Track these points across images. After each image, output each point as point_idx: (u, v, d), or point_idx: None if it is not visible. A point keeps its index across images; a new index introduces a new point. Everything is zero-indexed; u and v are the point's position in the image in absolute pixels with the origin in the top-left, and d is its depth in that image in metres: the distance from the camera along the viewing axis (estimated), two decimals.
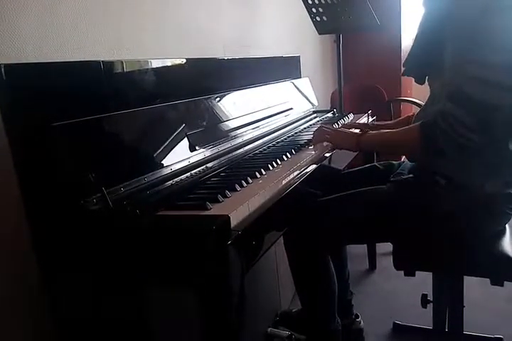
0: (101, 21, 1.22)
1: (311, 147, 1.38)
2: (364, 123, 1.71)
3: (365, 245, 2.11)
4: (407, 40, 3.37)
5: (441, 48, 1.04)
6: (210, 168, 1.16)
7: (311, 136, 1.42)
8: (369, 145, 1.26)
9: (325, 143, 1.36)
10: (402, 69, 1.21)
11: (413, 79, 1.22)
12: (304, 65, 2.35)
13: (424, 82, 1.19)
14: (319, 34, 2.30)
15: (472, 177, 1.08)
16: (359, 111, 2.01)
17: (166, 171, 1.05)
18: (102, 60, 1.07)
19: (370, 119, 1.97)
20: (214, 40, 1.80)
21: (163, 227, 0.82)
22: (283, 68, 2.13)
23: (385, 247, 2.09)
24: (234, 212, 0.82)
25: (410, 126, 1.12)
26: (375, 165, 1.49)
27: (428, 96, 1.19)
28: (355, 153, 1.80)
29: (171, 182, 1.03)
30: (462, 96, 0.98)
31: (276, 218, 1.06)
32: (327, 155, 1.34)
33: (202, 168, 1.15)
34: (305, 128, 1.78)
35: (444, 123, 0.99)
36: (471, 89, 0.96)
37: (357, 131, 1.34)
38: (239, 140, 1.39)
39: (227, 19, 1.90)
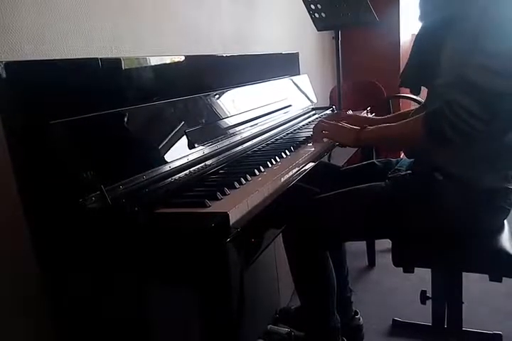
0: (99, 18, 1.21)
1: (311, 144, 1.37)
2: (364, 117, 1.68)
3: (364, 242, 2.12)
4: (406, 36, 3.37)
5: (438, 59, 1.05)
6: (209, 165, 1.16)
7: (311, 132, 1.42)
8: (369, 140, 1.24)
9: (325, 140, 1.36)
10: (399, 80, 1.22)
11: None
12: (303, 62, 2.35)
13: (419, 93, 1.20)
14: (318, 31, 2.29)
15: (471, 171, 1.08)
16: (358, 108, 2.01)
17: (165, 169, 1.05)
18: (101, 57, 1.07)
19: (369, 115, 1.97)
20: (213, 36, 1.79)
21: (162, 225, 0.82)
22: (282, 65, 2.12)
23: (384, 244, 2.09)
24: (233, 209, 0.82)
25: (413, 117, 1.11)
26: (373, 162, 1.49)
27: (426, 97, 1.19)
28: (354, 150, 1.80)
29: (169, 179, 1.03)
30: (468, 84, 0.98)
31: (276, 215, 1.06)
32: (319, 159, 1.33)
33: (201, 165, 1.15)
34: (304, 125, 1.78)
35: (451, 112, 0.98)
36: (476, 77, 0.96)
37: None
38: (238, 137, 1.39)
39: (226, 16, 1.89)
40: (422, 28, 1.14)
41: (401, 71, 1.22)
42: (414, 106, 2.86)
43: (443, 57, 1.04)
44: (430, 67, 1.09)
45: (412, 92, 1.21)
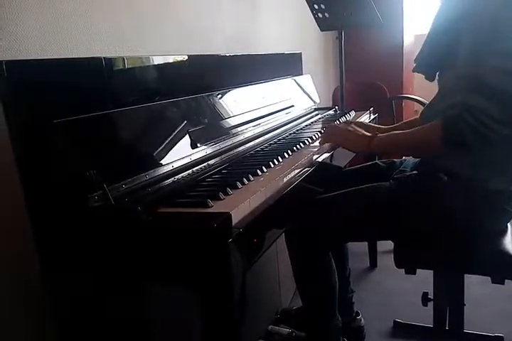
0: (102, 18, 1.21)
1: (314, 144, 1.36)
2: (373, 126, 1.64)
3: (366, 243, 2.11)
4: (410, 37, 3.36)
5: (456, 43, 1.02)
6: (212, 165, 1.16)
7: (313, 133, 1.41)
8: (381, 147, 1.20)
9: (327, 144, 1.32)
10: (414, 65, 1.20)
11: (416, 76, 1.20)
12: (306, 62, 2.35)
13: (434, 79, 1.17)
14: (321, 31, 2.29)
15: (479, 172, 1.07)
16: (361, 109, 2.01)
17: (168, 168, 1.05)
18: (104, 56, 1.07)
19: (372, 117, 1.96)
20: (215, 36, 1.79)
21: (164, 225, 0.82)
22: (285, 65, 2.12)
23: (386, 245, 2.08)
24: (235, 209, 0.81)
25: (430, 123, 1.07)
26: (376, 162, 1.49)
27: (436, 92, 1.18)
28: None
29: (172, 179, 1.02)
30: (488, 88, 0.96)
31: (278, 215, 1.06)
32: (325, 156, 1.32)
33: (203, 165, 1.14)
34: (307, 125, 1.78)
35: (472, 118, 0.96)
36: (495, 80, 0.95)
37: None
38: (240, 137, 1.39)
39: (229, 15, 1.89)
40: (441, 8, 1.11)
41: (415, 55, 1.19)
42: (417, 106, 2.85)
43: (460, 49, 1.02)
44: (447, 54, 1.06)
45: (426, 78, 1.18)
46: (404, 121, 1.53)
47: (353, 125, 1.32)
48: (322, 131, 1.44)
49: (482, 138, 0.98)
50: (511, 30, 0.94)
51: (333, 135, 1.32)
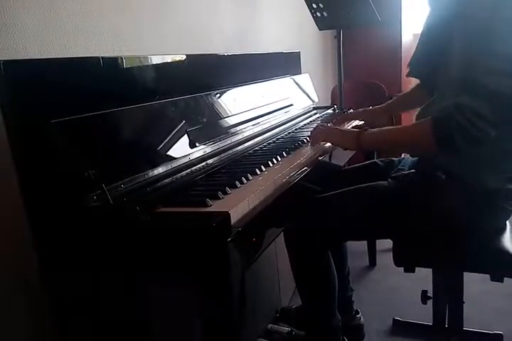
0: (100, 17, 1.21)
1: (310, 147, 1.36)
2: (370, 109, 1.66)
3: (365, 242, 2.12)
4: (408, 35, 3.36)
5: (447, 46, 1.02)
6: (210, 164, 1.16)
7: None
8: (372, 143, 1.19)
9: (322, 143, 1.33)
10: (407, 70, 1.20)
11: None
12: (305, 61, 2.35)
13: (430, 85, 1.18)
14: (320, 30, 2.29)
15: (475, 171, 1.07)
16: (359, 107, 2.00)
17: (166, 168, 1.05)
18: (102, 56, 1.07)
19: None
20: (214, 35, 1.79)
21: (163, 224, 0.82)
22: (283, 64, 2.12)
23: (385, 244, 2.09)
24: (234, 208, 0.82)
25: (420, 121, 1.07)
26: (375, 161, 1.49)
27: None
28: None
29: (171, 178, 1.02)
30: (480, 88, 0.95)
31: (277, 215, 1.06)
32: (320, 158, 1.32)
33: (202, 164, 1.14)
34: (305, 124, 1.78)
35: (461, 116, 0.95)
36: (489, 80, 0.94)
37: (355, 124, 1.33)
38: (239, 136, 1.39)
39: (228, 15, 1.89)
40: (431, 13, 1.11)
41: (409, 60, 1.19)
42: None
43: (454, 47, 1.01)
44: (440, 55, 1.06)
45: (423, 85, 1.19)
46: (399, 96, 1.54)
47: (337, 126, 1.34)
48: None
49: (471, 140, 0.97)
50: (509, 30, 0.94)
51: (319, 134, 1.31)
